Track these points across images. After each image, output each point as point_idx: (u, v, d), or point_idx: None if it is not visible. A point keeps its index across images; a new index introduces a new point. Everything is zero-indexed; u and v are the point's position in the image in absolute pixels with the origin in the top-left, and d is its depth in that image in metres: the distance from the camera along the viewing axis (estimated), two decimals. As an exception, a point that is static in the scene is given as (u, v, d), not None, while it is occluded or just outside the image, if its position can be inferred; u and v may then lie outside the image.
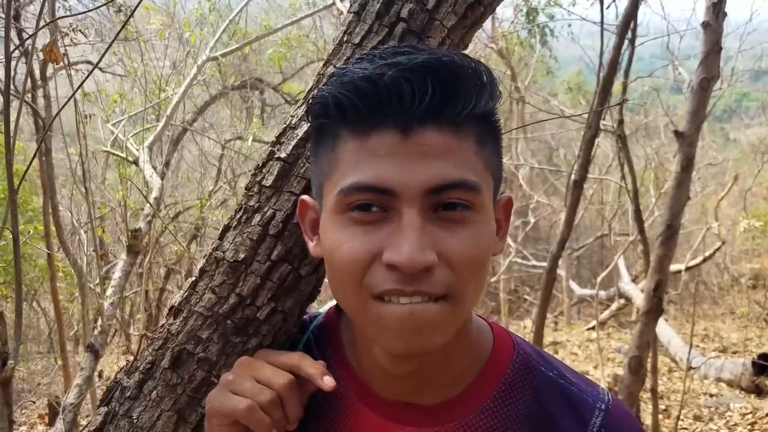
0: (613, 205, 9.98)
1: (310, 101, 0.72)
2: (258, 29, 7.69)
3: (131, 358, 0.87)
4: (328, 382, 0.75)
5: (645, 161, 9.44)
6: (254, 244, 0.81)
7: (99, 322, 3.44)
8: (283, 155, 0.83)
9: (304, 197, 0.78)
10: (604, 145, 9.71)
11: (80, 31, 3.88)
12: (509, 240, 9.25)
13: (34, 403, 6.82)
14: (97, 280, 5.04)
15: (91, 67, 7.78)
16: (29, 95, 3.96)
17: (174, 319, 0.83)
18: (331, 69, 0.82)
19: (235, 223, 0.83)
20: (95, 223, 4.61)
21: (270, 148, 0.85)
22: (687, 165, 2.47)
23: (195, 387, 0.81)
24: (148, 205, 3.91)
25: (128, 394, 0.82)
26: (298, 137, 0.82)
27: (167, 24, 6.39)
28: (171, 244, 8.74)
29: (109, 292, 3.67)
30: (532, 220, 9.66)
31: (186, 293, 0.83)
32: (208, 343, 0.81)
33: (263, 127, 9.41)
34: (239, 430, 0.76)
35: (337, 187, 0.68)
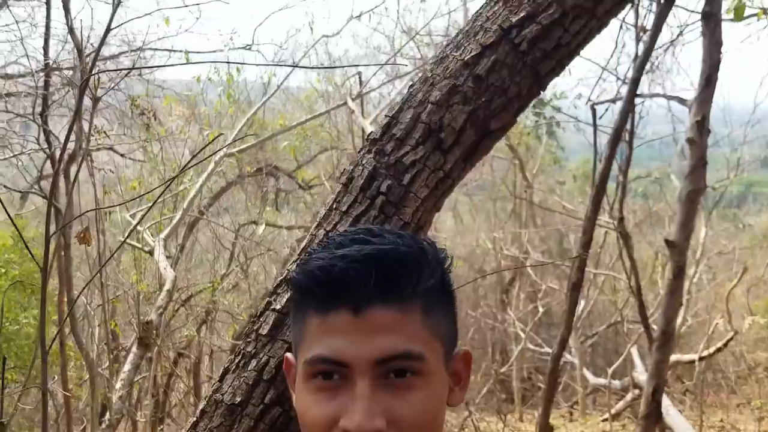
0: (624, 293, 9.94)
1: (288, 278, 0.84)
2: (275, 120, 8.02)
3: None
4: None
5: (654, 250, 9.47)
6: (250, 388, 0.90)
7: (107, 416, 3.49)
8: (278, 307, 0.94)
9: (288, 355, 0.88)
10: (612, 236, 9.76)
11: (104, 133, 4.12)
12: (518, 329, 9.20)
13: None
14: (107, 367, 5.09)
15: (113, 154, 8.06)
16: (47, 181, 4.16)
17: (175, 459, 0.92)
18: (321, 231, 0.94)
19: (234, 366, 0.93)
20: (108, 314, 4.71)
21: (267, 299, 0.96)
22: (678, 273, 2.55)
23: None
24: (161, 298, 4.02)
25: None
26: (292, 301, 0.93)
27: (188, 119, 6.69)
28: (182, 328, 8.78)
29: (118, 385, 3.74)
30: (541, 309, 9.63)
31: (187, 434, 0.93)
32: (204, 483, 0.89)
33: (277, 212, 9.62)
34: None
35: (304, 358, 0.80)
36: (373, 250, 0.77)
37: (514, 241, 9.23)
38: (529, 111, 9.61)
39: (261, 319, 0.94)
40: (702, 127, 2.57)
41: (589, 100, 3.51)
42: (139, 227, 4.86)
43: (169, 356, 9.01)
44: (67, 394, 4.49)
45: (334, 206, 0.96)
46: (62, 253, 3.91)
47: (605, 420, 8.74)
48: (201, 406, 0.92)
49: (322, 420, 0.76)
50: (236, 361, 0.93)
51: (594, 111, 3.29)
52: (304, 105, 9.70)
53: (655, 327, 4.38)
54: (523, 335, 9.02)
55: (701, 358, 7.95)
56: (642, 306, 4.08)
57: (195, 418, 0.92)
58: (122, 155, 9.04)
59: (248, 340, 0.94)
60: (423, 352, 0.78)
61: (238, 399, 0.89)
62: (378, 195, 0.93)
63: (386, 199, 0.93)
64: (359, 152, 0.98)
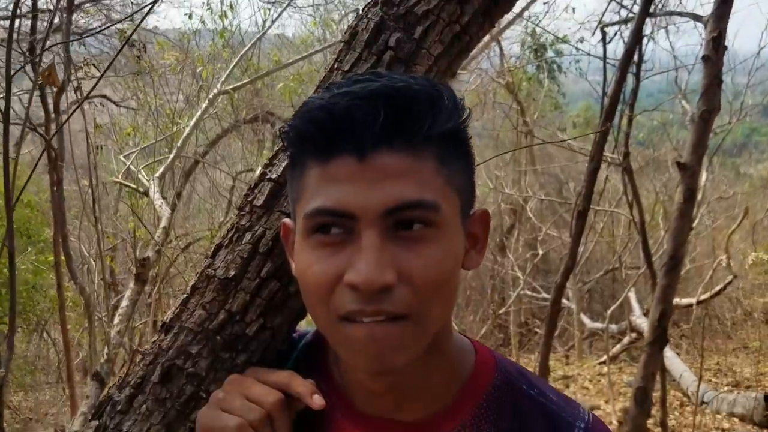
0: (623, 239, 9.95)
1: (282, 130, 0.75)
2: (270, 65, 7.85)
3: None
4: (317, 401, 0.77)
5: (655, 195, 9.43)
6: (244, 261, 0.84)
7: (106, 350, 3.46)
8: (274, 176, 0.86)
9: (286, 220, 0.81)
10: (615, 179, 9.74)
11: (93, 65, 3.98)
12: (518, 272, 9.22)
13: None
14: (106, 311, 5.07)
15: (105, 101, 7.94)
16: (42, 128, 4.05)
17: (165, 335, 0.85)
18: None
19: (227, 241, 0.86)
20: (105, 253, 4.66)
21: (262, 170, 0.88)
22: (689, 196, 2.47)
23: (184, 401, 0.83)
24: (157, 235, 3.95)
25: (119, 408, 0.84)
26: (288, 159, 0.85)
27: (181, 60, 6.53)
28: (181, 275, 8.79)
29: (116, 320, 3.70)
30: (541, 252, 9.62)
31: (177, 310, 0.86)
32: (197, 358, 0.83)
33: (274, 160, 9.51)
34: None
35: (303, 212, 0.71)
36: (380, 86, 0.68)
37: (514, 185, 9.16)
38: (531, 56, 9.42)
39: (256, 191, 0.87)
40: (718, 43, 2.46)
41: (599, 22, 3.37)
42: (132, 167, 4.76)
43: (169, 303, 9.05)
44: (66, 333, 4.46)
45: (335, 66, 0.87)
46: (55, 189, 3.82)
47: (602, 363, 8.83)
48: (192, 283, 0.85)
49: (325, 276, 0.69)
50: (229, 235, 0.86)
51: (604, 34, 3.17)
52: (300, 49, 9.49)
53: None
54: (521, 277, 9.03)
55: (699, 302, 7.98)
56: (645, 241, 4.03)
57: (186, 295, 0.85)
58: (116, 103, 8.90)
59: (242, 213, 0.86)
60: (438, 202, 0.69)
61: (232, 273, 0.82)
62: (386, 50, 0.84)
63: (395, 55, 0.84)
64: (363, 8, 0.88)
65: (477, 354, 0.83)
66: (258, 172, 0.88)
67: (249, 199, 0.86)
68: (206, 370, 0.83)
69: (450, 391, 0.80)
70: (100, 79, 2.65)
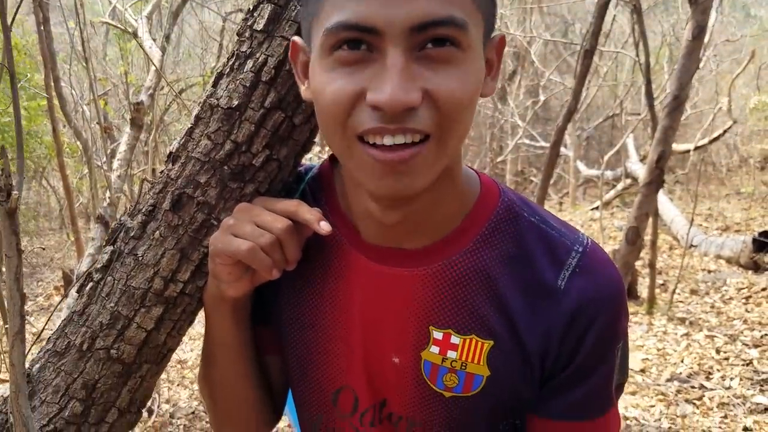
0: (626, 84, 9.78)
1: None
2: None
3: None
4: (324, 227, 0.78)
5: (661, 38, 9.13)
6: (247, 90, 0.81)
7: (107, 194, 3.50)
8: (274, -3, 0.81)
9: (295, 38, 0.77)
10: (621, 21, 9.38)
11: None
12: (518, 120, 9.15)
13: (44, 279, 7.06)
14: (104, 157, 5.06)
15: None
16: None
17: (173, 165, 0.84)
18: None
19: (228, 69, 0.82)
20: (98, 97, 4.58)
21: (261, -8, 0.83)
22: (699, 33, 2.38)
23: (196, 228, 0.84)
24: (149, 78, 3.86)
25: (132, 234, 0.86)
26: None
27: None
28: (176, 123, 8.73)
29: (115, 165, 3.71)
30: (542, 99, 9.47)
31: (183, 140, 0.84)
32: (206, 187, 0.83)
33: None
34: (241, 268, 0.81)
35: (323, 27, 0.67)
36: None
37: (519, 26, 8.80)
38: None
39: (255, 14, 0.82)
40: None
41: None
42: (119, 6, 4.54)
43: (166, 151, 9.07)
44: (65, 179, 4.50)
45: None
46: (42, 29, 3.66)
47: (594, 208, 9.04)
48: (195, 113, 0.83)
49: (345, 94, 0.66)
50: (230, 63, 0.83)
51: None
52: None
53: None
54: (521, 125, 8.98)
55: (697, 147, 8.01)
56: (649, 83, 3.96)
57: (190, 125, 0.83)
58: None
59: (242, 39, 0.82)
60: (466, 20, 0.65)
61: (236, 102, 0.80)
62: None
63: None
64: None
65: (482, 183, 0.84)
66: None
67: (248, 24, 0.82)
68: (215, 199, 0.83)
69: (455, 220, 0.81)
70: None
